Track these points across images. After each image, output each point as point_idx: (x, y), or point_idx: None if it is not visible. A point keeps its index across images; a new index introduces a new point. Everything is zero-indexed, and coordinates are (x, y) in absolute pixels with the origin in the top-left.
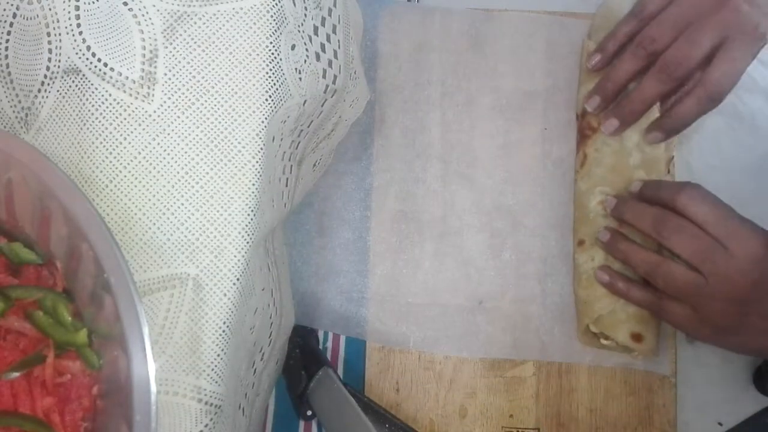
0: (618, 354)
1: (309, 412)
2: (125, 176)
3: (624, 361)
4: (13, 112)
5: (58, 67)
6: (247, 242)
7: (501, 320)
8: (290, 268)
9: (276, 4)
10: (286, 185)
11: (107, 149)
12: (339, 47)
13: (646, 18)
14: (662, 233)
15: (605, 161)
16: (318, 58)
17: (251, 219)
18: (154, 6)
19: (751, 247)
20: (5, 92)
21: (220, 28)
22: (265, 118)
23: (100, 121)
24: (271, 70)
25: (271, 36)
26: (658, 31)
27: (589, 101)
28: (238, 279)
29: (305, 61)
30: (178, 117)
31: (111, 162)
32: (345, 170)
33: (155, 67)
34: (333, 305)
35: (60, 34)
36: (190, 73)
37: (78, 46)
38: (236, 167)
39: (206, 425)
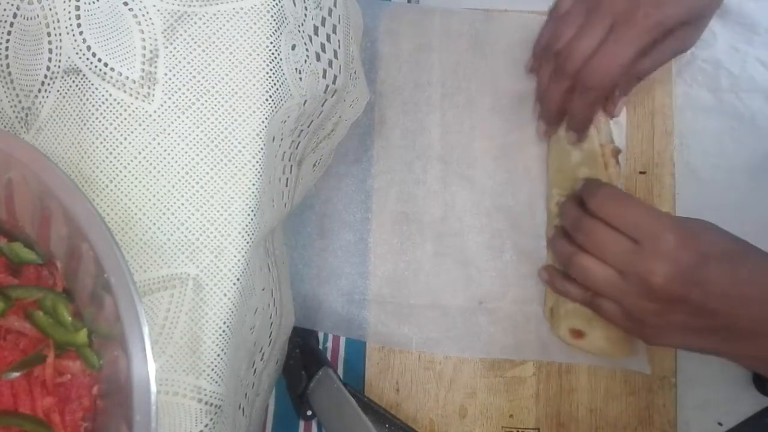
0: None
1: (309, 412)
2: (125, 176)
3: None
4: (13, 112)
5: (59, 67)
6: (247, 242)
7: (502, 321)
8: (291, 270)
9: (276, 4)
10: (286, 185)
11: (107, 149)
12: (339, 47)
13: (558, 17)
14: (577, 235)
15: (553, 164)
16: (318, 58)
17: (251, 219)
18: (154, 6)
19: (663, 240)
20: (5, 92)
21: (221, 28)
22: (266, 118)
23: (100, 121)
24: (271, 70)
25: (271, 36)
26: (561, 28)
27: (539, 129)
28: (238, 279)
29: (305, 61)
30: (179, 117)
31: (111, 162)
32: (345, 172)
33: (155, 67)
34: (334, 307)
35: (60, 34)
36: (191, 73)
37: (78, 46)
38: (236, 167)
39: (206, 425)
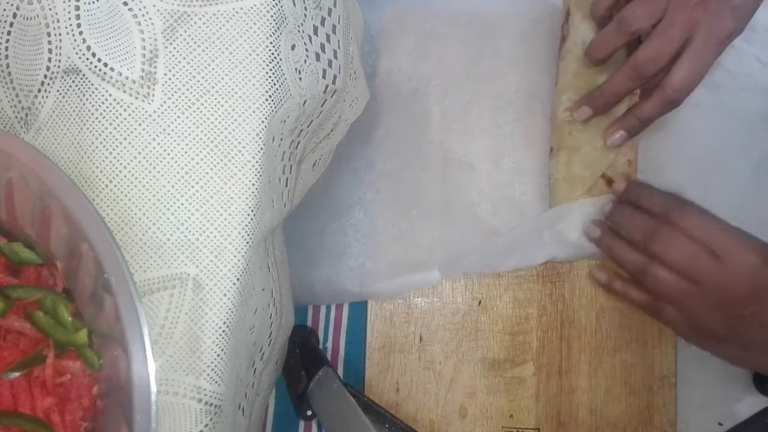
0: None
1: (309, 412)
2: (125, 176)
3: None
4: (13, 112)
5: (58, 67)
6: (247, 242)
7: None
8: (308, 255)
9: (276, 4)
10: (286, 185)
11: (107, 149)
12: (339, 47)
13: None
14: (653, 243)
15: (569, 67)
16: (318, 58)
17: (251, 219)
18: (154, 6)
19: (745, 257)
20: (5, 92)
21: (220, 28)
22: (265, 118)
23: (100, 121)
24: (271, 70)
25: (271, 36)
26: (638, 9)
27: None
28: (238, 279)
29: (305, 61)
30: (178, 117)
31: (111, 162)
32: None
33: (155, 67)
34: (347, 286)
35: (60, 34)
36: (190, 73)
37: (78, 46)
38: (236, 167)
39: (206, 425)
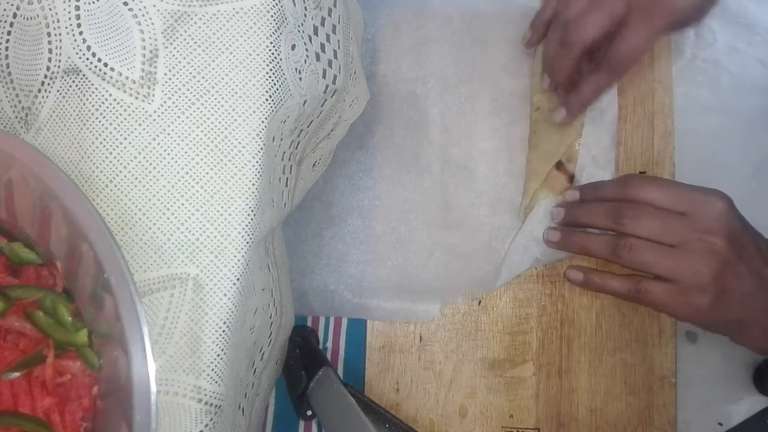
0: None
1: (309, 412)
2: (125, 176)
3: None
4: (13, 112)
5: (59, 67)
6: (247, 242)
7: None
8: (302, 263)
9: (276, 4)
10: (286, 185)
11: (107, 149)
12: (339, 47)
13: None
14: (621, 221)
15: (537, 71)
16: (318, 58)
17: (251, 219)
18: (154, 6)
19: (712, 208)
20: (5, 92)
21: (221, 28)
22: (266, 118)
23: (100, 121)
24: (271, 70)
25: (271, 36)
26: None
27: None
28: (238, 279)
29: (305, 61)
30: (178, 117)
31: (111, 162)
32: (345, 175)
33: (155, 67)
34: (345, 295)
35: (60, 34)
36: (190, 73)
37: (78, 46)
38: (236, 167)
39: (206, 425)
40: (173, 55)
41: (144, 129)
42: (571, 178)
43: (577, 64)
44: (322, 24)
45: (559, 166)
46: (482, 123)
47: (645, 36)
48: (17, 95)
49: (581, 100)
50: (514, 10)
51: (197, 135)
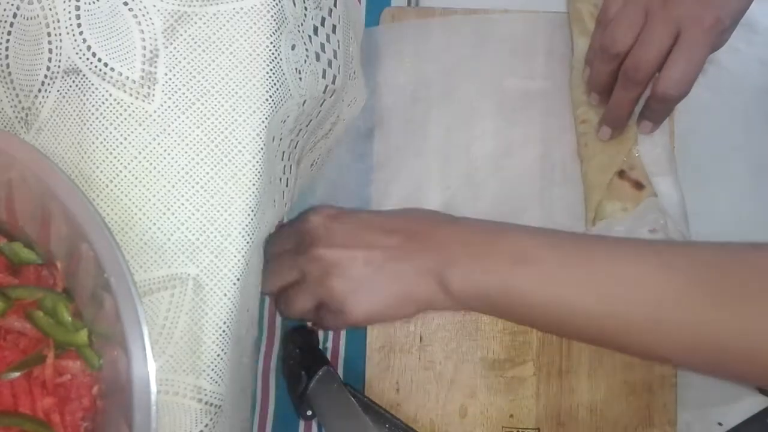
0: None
1: (309, 412)
2: (125, 176)
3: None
4: (13, 112)
5: (59, 67)
6: (248, 242)
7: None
8: None
9: (276, 4)
10: (287, 185)
11: (107, 149)
12: (339, 47)
13: (608, 22)
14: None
15: (575, 84)
16: (318, 58)
17: (251, 219)
18: (154, 6)
19: (306, 225)
20: (5, 92)
21: (221, 28)
22: (266, 118)
23: (100, 121)
24: (271, 70)
25: (271, 36)
26: (616, 32)
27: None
28: (238, 279)
29: (305, 61)
30: (179, 117)
31: (111, 162)
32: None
33: (155, 67)
34: None
35: (60, 34)
36: (191, 73)
37: (78, 46)
38: (236, 167)
39: (206, 425)
40: (173, 55)
41: (144, 129)
42: (636, 184)
43: (614, 73)
44: (322, 24)
45: (622, 174)
46: (481, 128)
47: (696, 57)
48: (17, 95)
49: (654, 119)
50: (514, 14)
51: (197, 135)
